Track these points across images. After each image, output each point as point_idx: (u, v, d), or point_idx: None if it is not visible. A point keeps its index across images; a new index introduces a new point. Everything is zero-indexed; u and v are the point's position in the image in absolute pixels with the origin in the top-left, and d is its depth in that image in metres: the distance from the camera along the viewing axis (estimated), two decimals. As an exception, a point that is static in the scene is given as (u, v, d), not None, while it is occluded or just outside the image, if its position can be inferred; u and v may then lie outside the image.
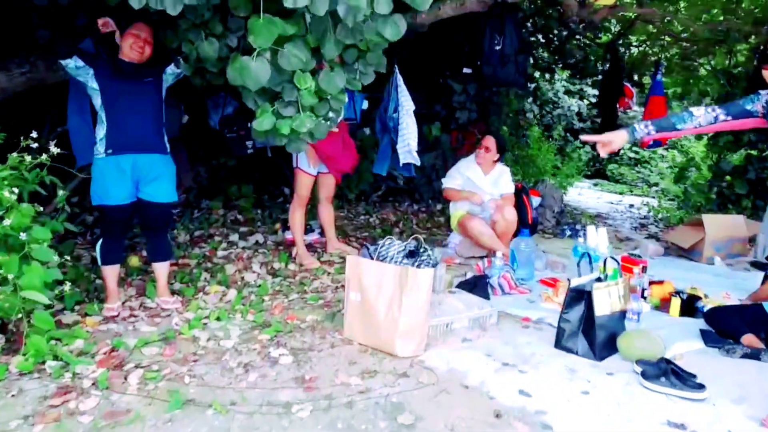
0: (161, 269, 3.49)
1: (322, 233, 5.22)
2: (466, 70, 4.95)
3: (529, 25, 7.08)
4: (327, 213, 4.68)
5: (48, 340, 2.60)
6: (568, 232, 6.19)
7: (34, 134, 2.80)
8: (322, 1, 2.40)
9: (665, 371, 2.57)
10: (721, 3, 5.80)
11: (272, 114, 2.76)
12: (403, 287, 2.75)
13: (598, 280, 3.08)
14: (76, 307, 3.23)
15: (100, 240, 3.29)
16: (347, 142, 4.44)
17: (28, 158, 2.75)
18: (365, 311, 2.88)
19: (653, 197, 10.89)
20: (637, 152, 13.38)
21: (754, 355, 2.94)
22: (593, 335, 2.87)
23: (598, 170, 13.64)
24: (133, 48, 3.14)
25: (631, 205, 9.18)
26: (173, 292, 3.56)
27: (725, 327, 3.20)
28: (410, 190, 7.04)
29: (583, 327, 2.90)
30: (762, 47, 6.40)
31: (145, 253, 4.01)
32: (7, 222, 2.44)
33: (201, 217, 5.35)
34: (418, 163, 4.67)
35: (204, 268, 4.12)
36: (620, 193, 11.51)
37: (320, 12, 2.39)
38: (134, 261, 4.02)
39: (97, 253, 3.28)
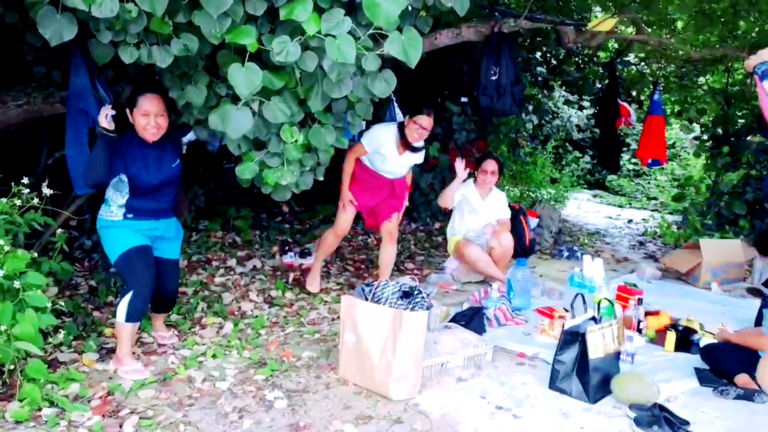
0: (160, 317, 3.49)
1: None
2: (462, 99, 4.97)
3: (526, 43, 7.10)
4: (386, 252, 4.56)
5: (43, 384, 2.61)
6: (566, 253, 6.20)
7: (25, 180, 2.80)
8: (311, 56, 2.42)
9: (658, 419, 2.58)
10: (718, 29, 5.82)
11: (256, 163, 2.77)
12: (397, 331, 2.76)
13: (593, 319, 3.09)
14: (73, 343, 3.25)
15: (130, 293, 2.94)
16: (395, 188, 4.44)
17: (18, 202, 2.74)
18: (360, 353, 2.89)
19: (653, 210, 10.90)
20: (636, 163, 13.37)
21: (747, 396, 2.95)
22: (587, 378, 2.88)
23: (597, 181, 13.64)
24: (147, 129, 2.93)
25: (630, 221, 9.18)
26: (169, 325, 3.57)
27: (720, 366, 3.21)
28: (408, 209, 7.04)
29: (577, 369, 2.92)
30: None
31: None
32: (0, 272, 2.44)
33: (199, 241, 5.36)
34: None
35: (201, 296, 4.13)
36: (619, 206, 11.51)
37: (309, 68, 2.41)
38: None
39: (123, 308, 2.93)
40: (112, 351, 3.18)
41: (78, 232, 5.14)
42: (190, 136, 3.27)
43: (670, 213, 9.98)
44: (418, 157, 4.33)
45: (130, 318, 2.95)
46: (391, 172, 4.30)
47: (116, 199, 3.04)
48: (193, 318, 3.79)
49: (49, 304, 2.64)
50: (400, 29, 2.56)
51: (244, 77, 2.36)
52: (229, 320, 3.76)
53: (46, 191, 2.84)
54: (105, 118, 2.80)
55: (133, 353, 3.20)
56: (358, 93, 2.65)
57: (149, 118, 2.91)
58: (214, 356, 3.20)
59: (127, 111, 2.96)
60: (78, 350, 3.17)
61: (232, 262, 4.93)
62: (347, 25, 2.43)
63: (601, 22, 4.88)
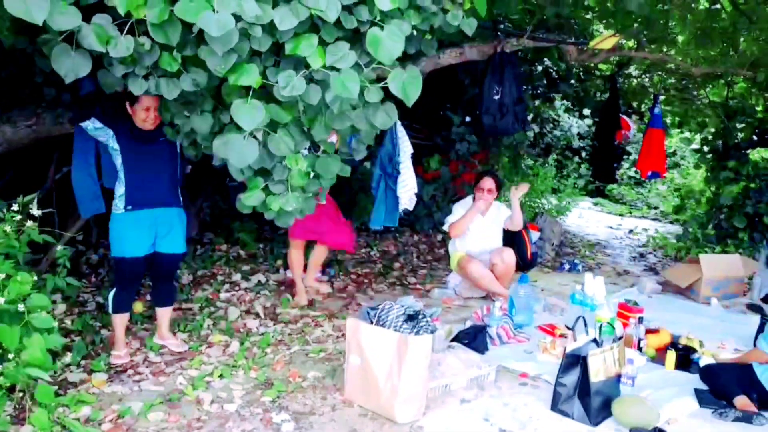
0: (165, 313, 3.68)
1: (323, 272, 5.29)
2: (466, 119, 5.03)
3: (528, 57, 7.16)
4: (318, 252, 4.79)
5: (54, 408, 2.66)
6: (567, 266, 6.26)
7: (14, 207, 2.83)
8: (315, 90, 2.47)
9: (658, 443, 2.62)
10: (718, 46, 5.88)
11: (262, 190, 2.83)
12: (402, 355, 2.81)
13: (594, 342, 3.13)
14: (82, 362, 3.31)
15: (114, 290, 3.44)
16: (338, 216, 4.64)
17: (8, 228, 2.77)
18: (365, 376, 2.94)
19: (653, 219, 10.95)
20: (637, 172, 13.42)
21: (746, 419, 3.00)
22: (588, 400, 2.92)
23: (598, 188, 13.68)
24: (146, 121, 3.27)
25: (631, 230, 9.23)
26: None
27: (719, 387, 3.25)
28: (411, 222, 7.11)
29: (578, 392, 2.96)
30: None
31: (148, 297, 4.09)
32: (1, 300, 2.45)
33: (204, 255, 5.42)
34: (412, 208, 4.71)
35: (207, 313, 4.19)
36: (620, 215, 11.55)
37: (313, 101, 2.47)
38: (138, 307, 4.08)
39: (109, 302, 3.43)
40: (122, 372, 3.25)
41: (84, 246, 5.21)
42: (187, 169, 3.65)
43: (671, 222, 10.04)
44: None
45: (116, 310, 3.43)
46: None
47: (119, 190, 3.35)
48: (200, 335, 3.85)
49: (55, 324, 2.69)
50: (405, 58, 2.62)
51: (248, 113, 2.41)
52: (236, 338, 3.82)
53: (37, 212, 2.89)
54: None
55: (142, 373, 3.27)
56: (359, 125, 2.70)
57: (149, 112, 3.23)
58: (221, 376, 3.25)
59: (127, 104, 3.24)
60: (87, 370, 3.23)
61: (236, 277, 4.99)
62: (351, 58, 2.48)
63: (603, 40, 4.94)
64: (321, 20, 2.46)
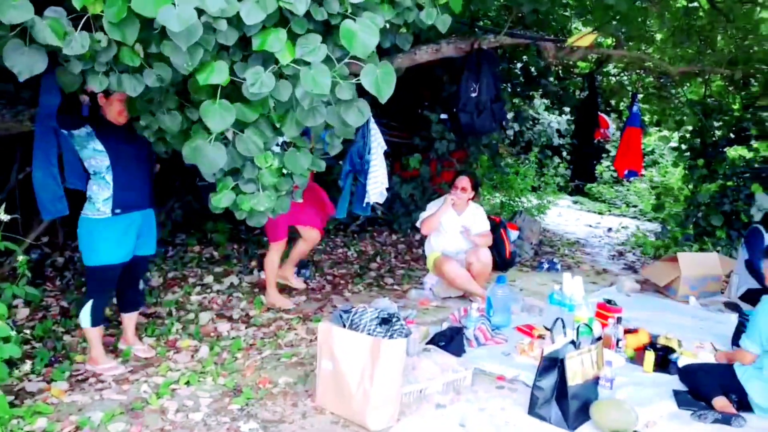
0: (131, 318, 3.55)
1: (298, 273, 5.18)
2: (442, 116, 4.94)
3: (507, 54, 7.10)
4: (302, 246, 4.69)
5: (8, 420, 2.52)
6: (546, 266, 6.21)
7: None
8: (285, 85, 2.37)
9: (637, 448, 2.56)
10: (696, 44, 5.87)
11: (232, 190, 2.72)
12: (375, 360, 2.72)
13: (572, 343, 3.07)
14: (44, 370, 3.16)
15: (90, 301, 3.17)
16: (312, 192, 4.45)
17: None
18: (337, 381, 2.84)
19: (632, 217, 10.99)
20: (615, 170, 13.48)
21: (725, 420, 2.95)
22: (566, 404, 2.86)
23: (578, 187, 13.72)
24: (121, 114, 3.11)
25: (609, 229, 9.24)
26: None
27: (698, 388, 3.21)
28: (388, 221, 7.02)
29: (556, 395, 2.90)
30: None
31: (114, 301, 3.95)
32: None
33: (176, 256, 5.28)
34: (382, 201, 4.61)
35: (176, 318, 4.05)
36: (599, 213, 11.58)
37: (283, 98, 2.37)
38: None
39: (87, 316, 3.16)
40: (84, 381, 3.11)
41: (50, 248, 5.04)
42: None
43: (650, 221, 10.07)
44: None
45: (95, 323, 3.21)
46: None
47: (101, 194, 3.14)
48: (167, 340, 3.71)
49: (14, 333, 2.56)
50: (380, 53, 2.52)
51: (218, 115, 2.31)
52: (205, 343, 3.69)
53: (4, 216, 2.75)
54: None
55: (105, 381, 3.14)
56: (331, 121, 2.60)
57: (124, 104, 3.06)
58: (187, 383, 3.13)
59: (100, 96, 3.05)
60: (47, 379, 3.09)
61: (209, 279, 4.85)
62: (323, 51, 2.38)
63: (581, 37, 4.88)
64: (290, 13, 2.36)
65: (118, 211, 3.16)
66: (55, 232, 5.11)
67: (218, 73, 2.31)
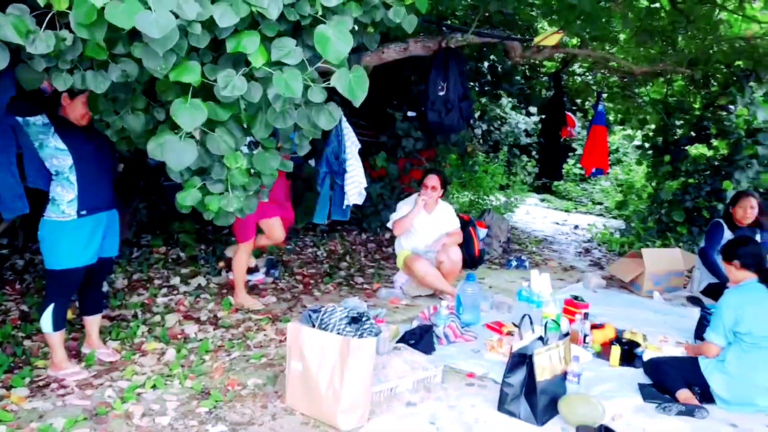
0: (95, 322, 3.47)
1: (267, 273, 5.13)
2: (410, 114, 4.95)
3: (474, 54, 7.15)
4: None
5: (-35, 429, 2.44)
6: (514, 263, 6.27)
7: None
8: (256, 87, 2.33)
9: (604, 441, 2.60)
10: (658, 44, 5.99)
11: (198, 190, 2.67)
12: (345, 359, 2.70)
13: (540, 339, 3.10)
14: (3, 376, 3.07)
15: (52, 305, 3.10)
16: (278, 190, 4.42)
17: None
18: (307, 382, 2.82)
19: (598, 215, 11.19)
20: (581, 168, 13.70)
21: (689, 411, 3.02)
22: (535, 400, 2.88)
23: (544, 185, 13.90)
24: (85, 117, 3.04)
25: (576, 226, 9.39)
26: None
27: (662, 381, 3.28)
28: (358, 220, 7.00)
29: (525, 391, 2.92)
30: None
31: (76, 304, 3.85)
32: None
33: (141, 257, 5.17)
34: (361, 202, 4.60)
35: (142, 320, 3.97)
36: (566, 210, 11.76)
37: (255, 99, 2.33)
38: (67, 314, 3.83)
39: (49, 320, 3.10)
40: (45, 387, 3.03)
41: (9, 250, 4.90)
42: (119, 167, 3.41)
43: (614, 218, 10.26)
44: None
45: (57, 327, 3.14)
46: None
47: (65, 195, 3.05)
48: (133, 343, 3.64)
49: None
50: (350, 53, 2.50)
51: (189, 114, 2.25)
52: (172, 345, 3.63)
53: None
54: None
55: (67, 386, 3.05)
56: (302, 124, 2.57)
57: (86, 107, 2.97)
58: (154, 387, 3.07)
59: (64, 96, 2.99)
60: (7, 385, 2.99)
61: (175, 281, 4.77)
62: (298, 55, 2.35)
63: (547, 36, 4.94)
64: (261, 16, 2.33)
65: (84, 212, 3.09)
66: (15, 234, 4.96)
67: (190, 73, 2.26)
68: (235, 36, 2.30)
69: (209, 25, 2.22)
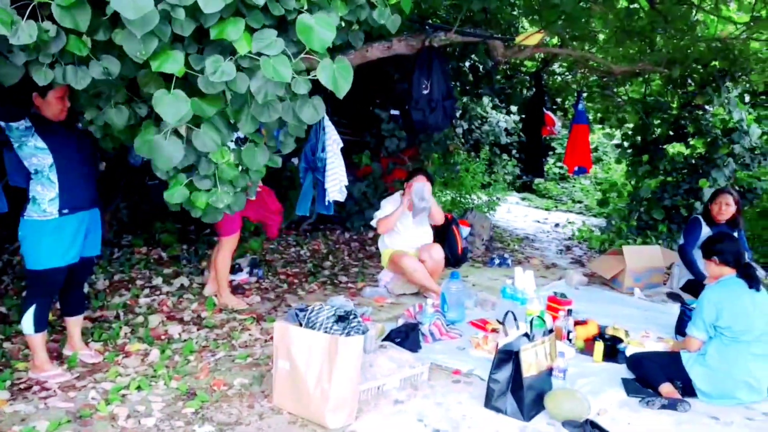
0: (76, 323, 3.43)
1: (251, 272, 5.10)
2: (393, 112, 4.95)
3: (456, 52, 7.18)
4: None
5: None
6: (497, 261, 6.32)
7: None
8: (242, 77, 2.32)
9: (590, 436, 2.63)
10: (636, 44, 6.07)
11: (185, 186, 2.64)
12: (332, 358, 2.70)
13: (526, 336, 3.13)
14: (-19, 379, 3.01)
15: (33, 306, 3.06)
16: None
17: None
18: (294, 381, 2.81)
19: (578, 213, 11.30)
20: (562, 167, 13.84)
21: (672, 405, 3.07)
22: (521, 395, 2.91)
23: (525, 184, 14.02)
24: (62, 113, 3.02)
25: (557, 224, 9.48)
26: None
27: (645, 375, 3.33)
28: (342, 219, 6.99)
29: (511, 387, 2.95)
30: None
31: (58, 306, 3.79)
32: None
33: (122, 258, 5.11)
34: (342, 199, 4.59)
35: (125, 321, 3.93)
36: (546, 209, 11.87)
37: (241, 89, 2.32)
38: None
39: (30, 322, 3.06)
40: (27, 389, 2.98)
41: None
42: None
43: (595, 216, 10.38)
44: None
45: (39, 329, 3.10)
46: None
47: (46, 194, 3.02)
48: (116, 344, 3.59)
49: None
50: (332, 50, 2.50)
51: (172, 106, 2.23)
52: (156, 346, 3.59)
53: None
54: None
55: (50, 389, 3.01)
56: (286, 118, 2.56)
57: (64, 102, 2.99)
58: (138, 388, 3.03)
59: (35, 95, 2.95)
60: (-13, 387, 2.94)
61: (158, 281, 4.72)
62: (280, 45, 2.34)
63: (528, 36, 4.98)
64: (246, 6, 2.32)
65: (65, 211, 3.06)
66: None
67: (173, 62, 2.24)
68: (220, 23, 2.27)
69: (194, 11, 2.20)
